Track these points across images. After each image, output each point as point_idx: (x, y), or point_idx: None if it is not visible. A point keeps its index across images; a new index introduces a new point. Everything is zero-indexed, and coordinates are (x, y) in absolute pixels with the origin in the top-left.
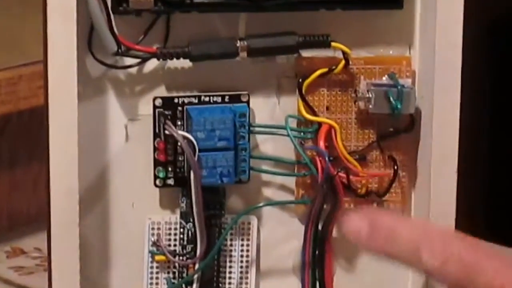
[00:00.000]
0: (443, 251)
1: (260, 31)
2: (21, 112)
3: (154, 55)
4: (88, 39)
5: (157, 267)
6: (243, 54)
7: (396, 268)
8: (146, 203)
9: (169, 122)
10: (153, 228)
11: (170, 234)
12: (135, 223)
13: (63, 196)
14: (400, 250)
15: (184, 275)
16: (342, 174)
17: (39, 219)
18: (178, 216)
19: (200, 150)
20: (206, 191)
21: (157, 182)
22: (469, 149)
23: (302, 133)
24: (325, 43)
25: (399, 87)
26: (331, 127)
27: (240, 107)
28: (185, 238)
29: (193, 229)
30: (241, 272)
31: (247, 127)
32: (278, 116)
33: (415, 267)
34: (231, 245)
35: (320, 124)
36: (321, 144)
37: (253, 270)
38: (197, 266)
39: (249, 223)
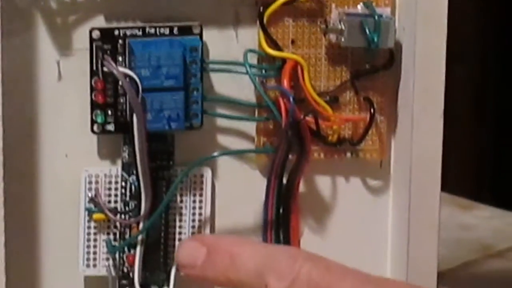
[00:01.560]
0: (290, 273)
1: None
2: None
3: None
4: None
5: (95, 227)
6: None
7: (371, 227)
8: (82, 152)
9: (108, 58)
10: (90, 182)
11: (110, 188)
12: (69, 176)
13: None
14: (242, 275)
15: (127, 236)
16: (310, 119)
17: None
18: (120, 168)
19: (144, 90)
20: (152, 139)
21: (95, 128)
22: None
23: (263, 71)
24: None
25: (376, 17)
26: (297, 63)
27: (191, 40)
28: (128, 194)
29: (136, 183)
30: (193, 233)
31: (199, 64)
32: (236, 51)
33: None
34: (181, 201)
35: (284, 60)
36: (286, 83)
37: (206, 231)
38: (141, 226)
39: (201, 176)
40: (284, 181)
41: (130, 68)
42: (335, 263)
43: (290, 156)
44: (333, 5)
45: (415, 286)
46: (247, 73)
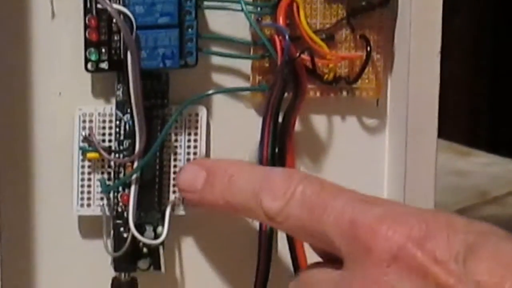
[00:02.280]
0: (284, 192)
1: None
2: None
3: None
4: None
5: (89, 166)
6: None
7: (367, 167)
8: (75, 91)
9: None
10: (84, 121)
11: (104, 127)
12: (63, 114)
13: None
14: (239, 197)
15: (121, 175)
16: (305, 57)
17: None
18: (114, 107)
19: (138, 28)
20: (146, 77)
21: (89, 66)
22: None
23: (258, 8)
24: None
25: None
26: (292, 1)
27: None
28: (122, 132)
29: (131, 122)
30: None
31: (194, 1)
32: None
33: (257, 215)
34: (176, 140)
35: None
36: (281, 20)
37: None
38: (136, 164)
39: (196, 115)
40: (280, 119)
41: (124, 5)
42: (330, 182)
43: (285, 95)
44: None
45: (411, 206)
46: (242, 10)
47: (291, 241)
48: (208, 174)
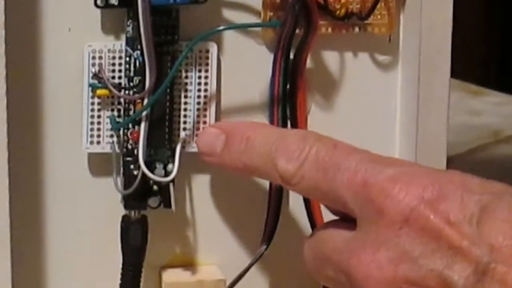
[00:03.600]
0: (299, 154)
1: None
2: None
3: None
4: None
5: (98, 104)
6: None
7: (379, 104)
8: (85, 27)
9: None
10: (93, 57)
11: (114, 64)
12: (72, 51)
13: None
14: (256, 160)
15: (131, 112)
16: None
17: None
18: (124, 43)
19: None
20: (156, 13)
21: (98, 1)
22: None
23: None
24: None
25: None
26: None
27: None
28: (132, 69)
29: (141, 58)
30: (198, 109)
31: None
32: None
33: (273, 178)
34: (186, 76)
35: None
36: None
37: (212, 107)
38: (146, 101)
39: (207, 51)
40: (291, 56)
41: None
42: (343, 143)
43: (297, 31)
44: None
45: (425, 166)
46: None
47: (307, 200)
48: (227, 138)
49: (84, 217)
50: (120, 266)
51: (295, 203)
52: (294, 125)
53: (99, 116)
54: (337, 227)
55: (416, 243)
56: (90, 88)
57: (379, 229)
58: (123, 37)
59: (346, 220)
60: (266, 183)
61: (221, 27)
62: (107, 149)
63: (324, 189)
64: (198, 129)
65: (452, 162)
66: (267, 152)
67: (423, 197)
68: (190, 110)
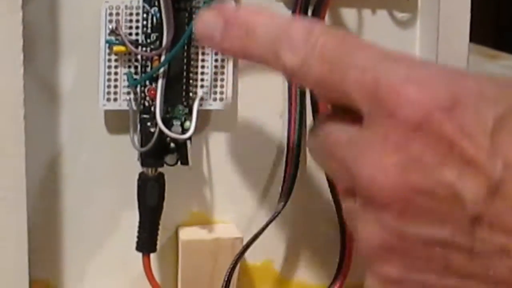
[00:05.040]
0: (304, 46)
1: None
2: None
3: None
4: None
5: (115, 60)
6: None
7: None
8: None
9: None
10: (111, 14)
11: (131, 20)
12: (89, 7)
13: None
14: (258, 49)
15: (148, 69)
16: None
17: None
18: None
19: None
20: None
21: None
22: None
23: None
24: None
25: None
26: None
27: None
28: (149, 25)
29: (158, 14)
30: (215, 67)
31: None
32: None
33: (275, 68)
34: None
35: None
36: None
37: (229, 64)
38: (163, 58)
39: None
40: (309, 13)
41: None
42: (353, 35)
43: None
44: None
45: (439, 67)
46: None
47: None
48: (226, 23)
49: (101, 175)
50: (137, 224)
51: (313, 161)
52: None
53: (116, 73)
54: (342, 120)
55: (427, 150)
56: (107, 45)
57: (388, 130)
58: None
59: (351, 117)
60: (284, 141)
61: None
62: (124, 106)
63: (330, 84)
64: (215, 86)
65: None
66: (271, 41)
67: (437, 103)
68: (207, 67)
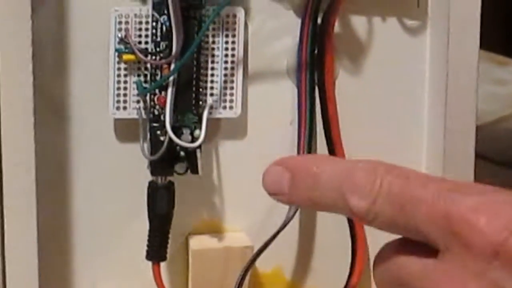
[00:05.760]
0: (371, 189)
1: None
2: None
3: None
4: None
5: (125, 69)
6: None
7: (408, 68)
8: None
9: None
10: (120, 22)
11: (140, 29)
12: (98, 15)
13: None
14: (325, 197)
15: (158, 77)
16: None
17: None
18: (150, 7)
19: None
20: None
21: None
22: None
23: None
24: None
25: None
26: None
27: None
28: (159, 34)
29: (168, 23)
30: (225, 75)
31: None
32: None
33: (345, 213)
34: (213, 42)
35: None
36: None
37: (239, 72)
38: (172, 66)
39: (234, 16)
40: (319, 21)
41: None
42: (416, 172)
43: None
44: None
45: (504, 192)
46: None
47: None
48: (292, 175)
49: (111, 183)
50: (147, 232)
51: None
52: (322, 90)
53: (125, 82)
54: (415, 252)
55: (507, 276)
56: (117, 53)
57: (466, 262)
58: (150, 1)
59: (425, 249)
60: (294, 149)
61: None
62: (134, 114)
63: (402, 224)
64: (225, 94)
65: (480, 131)
66: (336, 188)
67: (510, 229)
68: (217, 75)
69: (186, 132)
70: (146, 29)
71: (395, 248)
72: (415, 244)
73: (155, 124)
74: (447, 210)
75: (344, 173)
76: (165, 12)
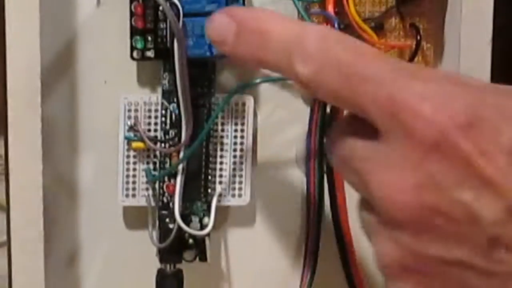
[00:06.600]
0: (320, 56)
1: None
2: None
3: None
4: None
5: (134, 156)
6: None
7: None
8: (121, 79)
9: None
10: (129, 110)
11: (150, 116)
12: (108, 103)
13: (23, 72)
14: (271, 56)
15: (167, 165)
16: None
17: None
18: (159, 96)
19: (185, 15)
20: (193, 65)
21: (134, 54)
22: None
23: None
24: None
25: None
26: None
27: None
28: (168, 122)
29: (177, 111)
30: (234, 163)
31: None
32: None
33: (289, 76)
34: (222, 130)
35: None
36: (330, 9)
37: (248, 160)
38: (181, 154)
39: (243, 104)
40: (328, 109)
41: None
42: (368, 46)
43: None
44: None
45: (457, 80)
46: None
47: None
48: (239, 26)
49: (120, 271)
50: None
51: (330, 259)
52: (331, 180)
53: (134, 169)
54: (360, 131)
55: (444, 170)
56: (126, 141)
57: (405, 149)
58: (159, 89)
59: (366, 127)
60: (302, 234)
61: (258, 80)
62: (143, 202)
63: (345, 97)
64: (234, 182)
65: None
66: (284, 48)
67: (454, 121)
68: (226, 163)
69: (195, 219)
70: (156, 117)
71: (342, 127)
72: (361, 123)
73: (164, 212)
74: (392, 93)
75: (294, 36)
76: (175, 100)
